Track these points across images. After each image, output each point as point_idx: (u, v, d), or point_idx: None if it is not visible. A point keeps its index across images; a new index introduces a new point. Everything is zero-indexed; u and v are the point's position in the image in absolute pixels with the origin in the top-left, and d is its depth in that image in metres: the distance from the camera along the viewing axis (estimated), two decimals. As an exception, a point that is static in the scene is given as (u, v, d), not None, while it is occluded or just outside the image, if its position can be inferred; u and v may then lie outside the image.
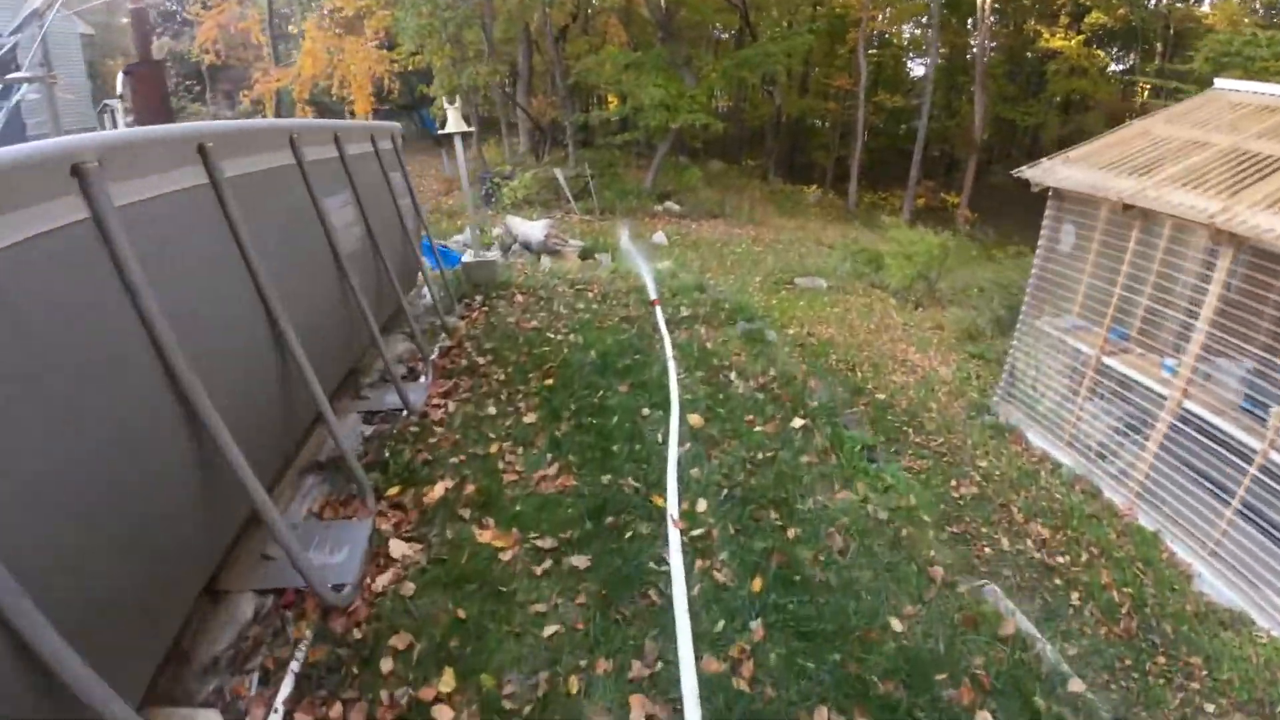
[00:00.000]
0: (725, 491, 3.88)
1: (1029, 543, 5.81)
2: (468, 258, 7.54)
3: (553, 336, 6.18)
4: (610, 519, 3.51)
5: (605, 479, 3.86)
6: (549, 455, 4.09)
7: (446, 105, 7.11)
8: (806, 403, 5.33)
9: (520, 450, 4.13)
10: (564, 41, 27.39)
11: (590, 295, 7.62)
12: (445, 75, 18.57)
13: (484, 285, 7.61)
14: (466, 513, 3.46)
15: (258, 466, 2.22)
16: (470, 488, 3.66)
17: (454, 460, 3.93)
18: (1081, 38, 27.70)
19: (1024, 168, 8.07)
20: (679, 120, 17.46)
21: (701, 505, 3.71)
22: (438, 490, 3.60)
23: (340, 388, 4.46)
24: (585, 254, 13.00)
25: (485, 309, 6.94)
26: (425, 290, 6.69)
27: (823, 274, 13.93)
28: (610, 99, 24.19)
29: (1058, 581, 5.32)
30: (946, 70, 32.21)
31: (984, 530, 5.85)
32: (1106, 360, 7.22)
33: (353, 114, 28.89)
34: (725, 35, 29.89)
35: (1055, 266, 7.97)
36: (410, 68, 22.57)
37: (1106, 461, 7.11)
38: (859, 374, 8.94)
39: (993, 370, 9.91)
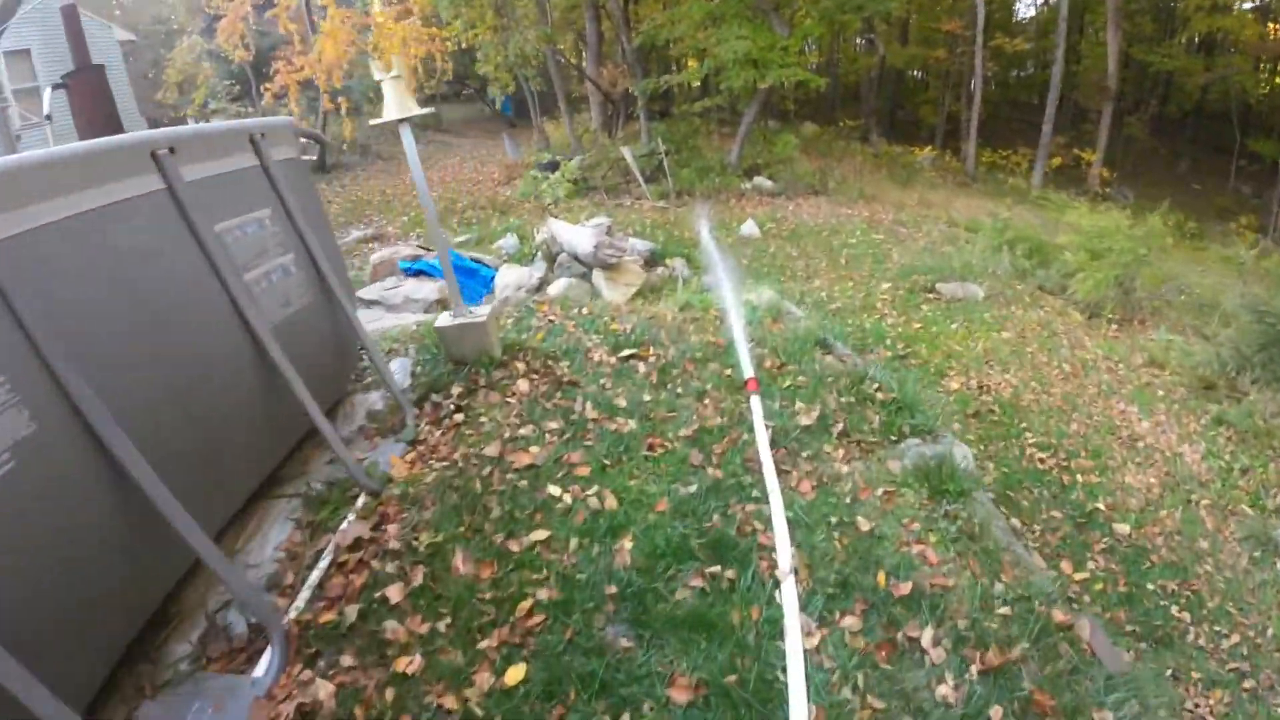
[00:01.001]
0: None
1: None
2: (444, 321, 4.70)
3: (557, 495, 3.29)
4: None
5: None
6: None
7: (381, 76, 4.23)
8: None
9: None
10: (634, 3, 24.04)
11: (642, 370, 4.65)
12: (490, 48, 15.73)
13: (474, 359, 4.77)
14: None
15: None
16: None
17: None
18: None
19: None
20: (769, 79, 13.91)
21: None
22: None
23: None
24: (653, 261, 9.94)
25: (459, 418, 4.11)
26: (391, 375, 3.99)
27: (970, 273, 10.20)
28: (689, 62, 20.59)
29: None
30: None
31: None
32: None
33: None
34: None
35: None
36: (466, 45, 19.93)
37: None
38: (1076, 476, 5.49)
39: (1257, 450, 6.25)
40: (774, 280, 10.06)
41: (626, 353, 4.90)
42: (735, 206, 14.83)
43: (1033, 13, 33.54)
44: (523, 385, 4.49)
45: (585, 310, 5.89)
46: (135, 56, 17.72)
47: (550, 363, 4.88)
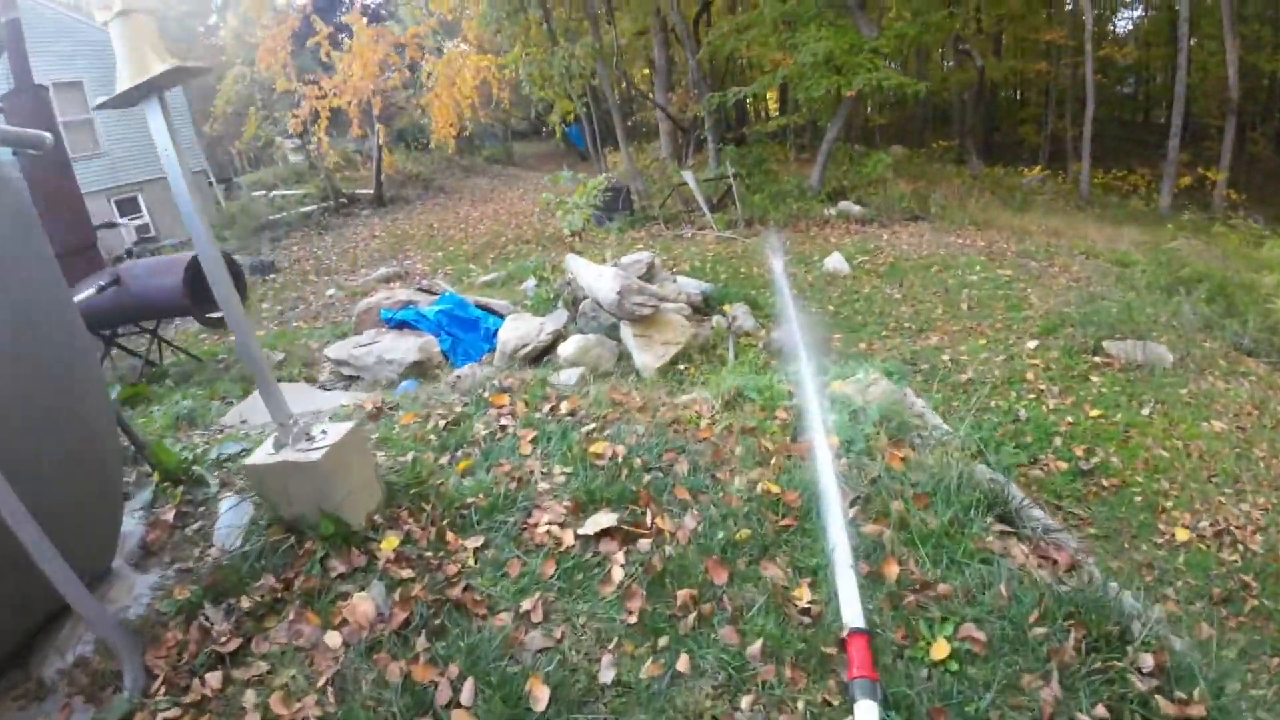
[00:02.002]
0: None
1: None
2: (259, 457, 2.48)
3: None
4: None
5: None
6: None
7: (105, 16, 2.06)
8: None
9: None
10: (707, 18, 21.95)
11: (618, 578, 2.25)
12: (535, 66, 13.87)
13: (313, 526, 2.48)
14: None
15: None
16: None
17: None
18: None
19: None
20: (856, 84, 11.32)
21: None
22: None
23: None
24: (706, 309, 7.52)
25: (213, 682, 1.84)
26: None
27: (1142, 325, 7.13)
28: (760, 74, 18.08)
29: None
30: (1168, 15, 22.58)
31: None
32: None
33: (471, 139, 25.66)
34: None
35: None
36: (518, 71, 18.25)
37: None
38: None
39: None
40: (873, 333, 7.42)
41: (600, 523, 2.51)
42: (817, 236, 12.20)
43: (1130, 26, 29.35)
44: (365, 607, 2.18)
45: (562, 408, 3.55)
46: (192, 88, 17.06)
47: (453, 536, 2.56)
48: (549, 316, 7.12)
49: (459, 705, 1.83)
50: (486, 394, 3.85)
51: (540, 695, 1.81)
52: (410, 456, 3.11)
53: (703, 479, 2.84)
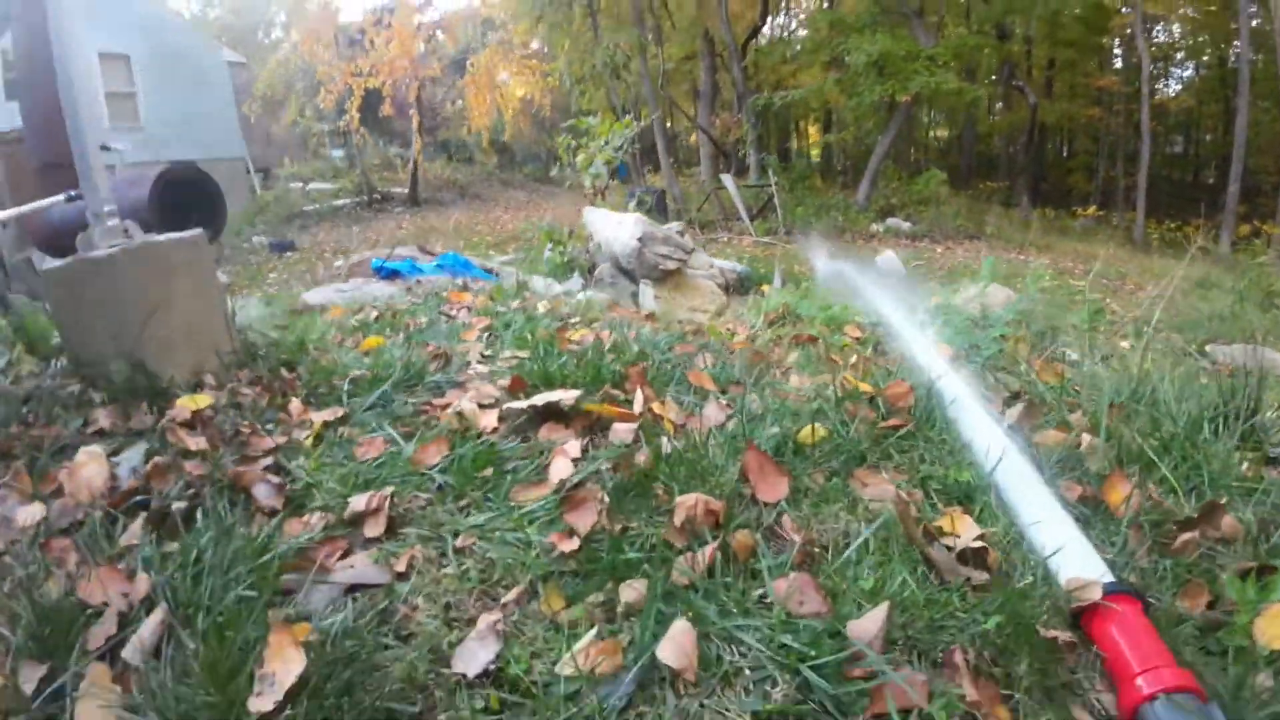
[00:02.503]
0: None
1: None
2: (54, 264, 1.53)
3: None
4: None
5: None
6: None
7: None
8: None
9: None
10: (756, 41, 21.37)
11: (569, 537, 1.05)
12: (574, 56, 13.18)
13: (115, 376, 1.39)
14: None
15: None
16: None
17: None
18: None
19: None
20: (912, 88, 10.34)
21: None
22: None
23: None
24: (742, 287, 6.44)
25: None
26: None
27: (1244, 330, 6.08)
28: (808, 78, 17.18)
29: None
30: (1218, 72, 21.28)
31: None
32: None
33: (505, 146, 25.18)
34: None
35: None
36: (575, 81, 17.60)
37: None
38: None
39: None
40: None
41: (547, 399, 1.39)
42: (864, 248, 11.08)
43: (1179, 87, 28.12)
44: (90, 472, 1.14)
45: (539, 307, 2.51)
46: (242, 77, 16.80)
47: (300, 405, 1.45)
48: (561, 283, 6.10)
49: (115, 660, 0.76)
50: (445, 294, 2.83)
51: (281, 675, 0.71)
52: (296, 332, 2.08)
53: (736, 374, 1.74)
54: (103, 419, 1.38)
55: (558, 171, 12.35)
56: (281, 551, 0.95)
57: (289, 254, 12.64)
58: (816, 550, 0.97)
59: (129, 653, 0.77)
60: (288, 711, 0.68)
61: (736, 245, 11.38)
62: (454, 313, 2.59)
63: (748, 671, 0.76)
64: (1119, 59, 23.03)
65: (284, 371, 1.71)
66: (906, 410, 1.41)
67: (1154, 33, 22.33)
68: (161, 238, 1.60)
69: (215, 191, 6.00)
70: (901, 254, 10.29)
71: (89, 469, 1.14)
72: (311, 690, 0.70)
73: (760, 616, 0.81)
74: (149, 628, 0.80)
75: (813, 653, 0.75)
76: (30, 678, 0.75)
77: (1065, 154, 27.26)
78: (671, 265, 5.09)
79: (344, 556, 1.01)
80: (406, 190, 19.00)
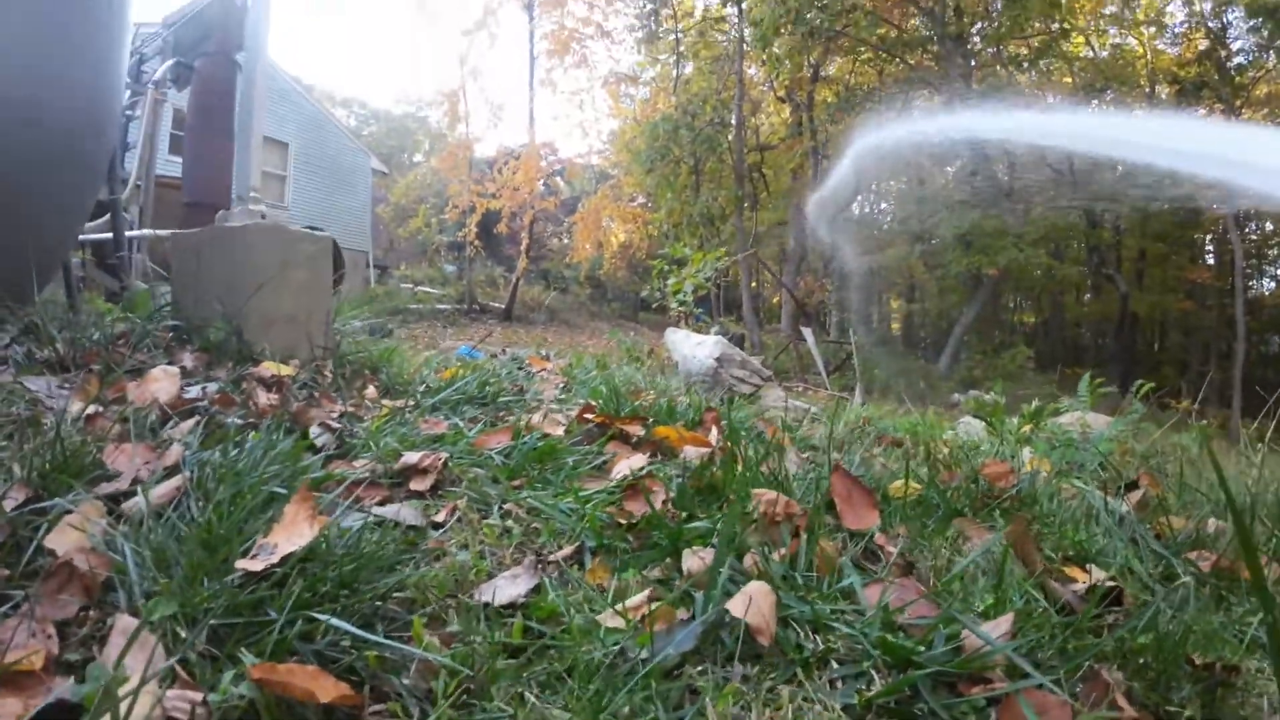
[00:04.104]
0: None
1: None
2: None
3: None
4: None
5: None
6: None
7: None
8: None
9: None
10: (843, 214, 22.41)
11: (626, 515, 0.95)
12: (675, 206, 14.16)
13: (222, 347, 1.44)
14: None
15: None
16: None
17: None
18: None
19: None
20: (999, 262, 10.42)
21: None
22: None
23: None
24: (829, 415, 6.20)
25: None
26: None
27: None
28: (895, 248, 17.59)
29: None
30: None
31: None
32: None
33: (600, 281, 26.62)
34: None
35: None
36: (673, 226, 18.84)
37: None
38: None
39: None
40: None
41: (615, 424, 1.32)
42: (945, 415, 10.67)
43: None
44: (160, 385, 1.08)
45: (618, 376, 2.51)
46: (381, 186, 18.98)
47: (374, 390, 1.44)
48: (634, 391, 6.13)
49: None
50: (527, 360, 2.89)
51: (283, 546, 0.61)
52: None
53: (815, 442, 1.61)
54: (188, 360, 1.39)
55: (647, 293, 12.91)
56: (320, 476, 0.87)
57: (383, 338, 13.50)
58: (919, 569, 0.80)
59: (129, 505, 0.69)
60: (277, 571, 0.57)
61: (812, 396, 11.22)
62: (534, 370, 2.60)
63: (836, 664, 0.59)
64: (1211, 254, 22.59)
65: (366, 372, 1.72)
66: (1008, 488, 1.22)
67: (1247, 229, 21.98)
68: (293, 226, 1.71)
69: (337, 248, 6.55)
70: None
71: (160, 383, 1.12)
72: (309, 562, 0.60)
73: (851, 613, 0.65)
74: (163, 489, 0.73)
75: (923, 649, 0.58)
76: (15, 498, 0.68)
77: (1156, 347, 26.15)
78: (747, 389, 5.01)
79: (383, 504, 0.92)
80: (503, 305, 20.25)
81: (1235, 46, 16.54)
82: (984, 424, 3.41)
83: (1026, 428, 2.63)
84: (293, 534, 0.62)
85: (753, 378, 5.10)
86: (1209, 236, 21.33)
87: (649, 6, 17.48)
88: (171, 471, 0.80)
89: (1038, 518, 1.08)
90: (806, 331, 13.03)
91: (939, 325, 18.06)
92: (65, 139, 1.62)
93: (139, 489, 0.72)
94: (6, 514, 0.65)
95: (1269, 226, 21.80)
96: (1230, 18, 16.48)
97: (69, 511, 0.67)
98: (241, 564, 0.59)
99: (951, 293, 12.99)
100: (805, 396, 11.63)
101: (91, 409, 0.99)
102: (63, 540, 0.62)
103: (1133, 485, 1.33)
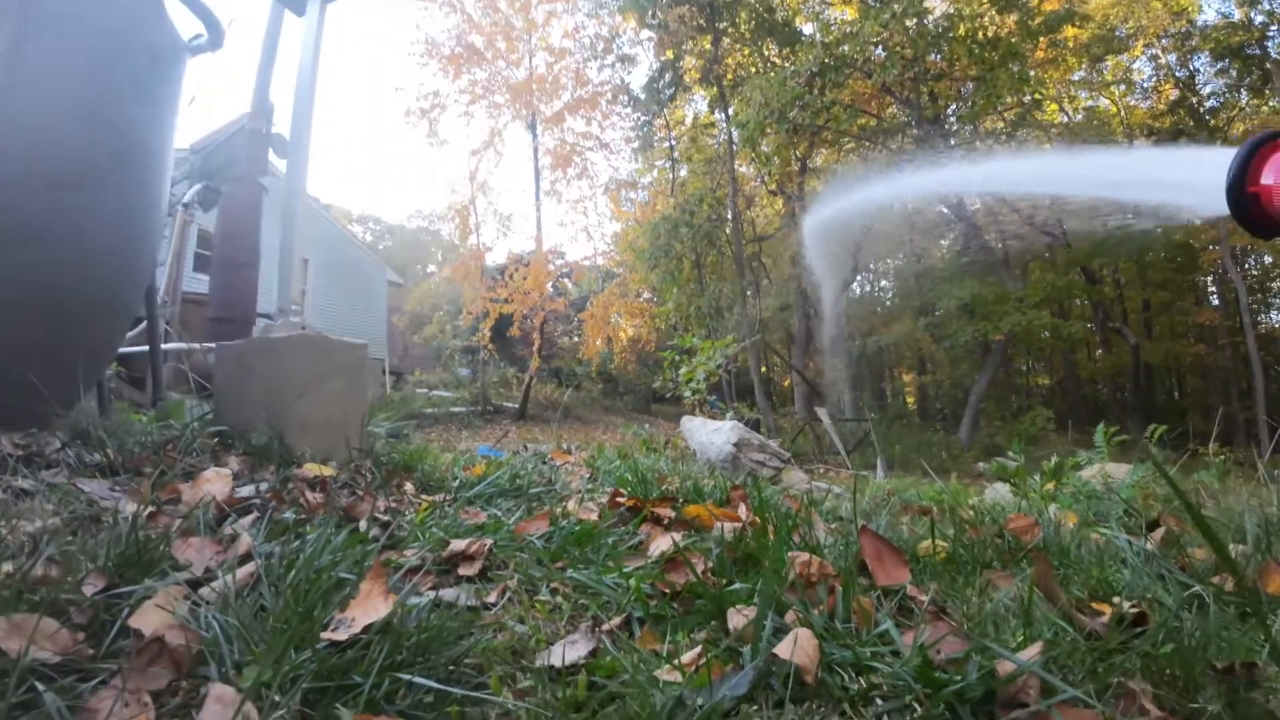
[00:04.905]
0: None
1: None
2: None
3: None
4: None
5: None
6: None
7: None
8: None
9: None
10: (845, 294, 22.87)
11: (670, 587, 1.03)
12: (681, 300, 14.56)
13: (260, 445, 1.53)
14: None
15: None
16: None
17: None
18: None
19: None
20: (1003, 327, 10.54)
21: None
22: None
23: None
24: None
25: None
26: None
27: None
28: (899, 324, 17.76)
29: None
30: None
31: None
32: None
33: (611, 376, 27.04)
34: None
35: None
36: (681, 318, 19.31)
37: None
38: None
39: None
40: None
41: (647, 507, 1.39)
42: (971, 485, 10.45)
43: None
44: (214, 486, 1.14)
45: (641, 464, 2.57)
46: (397, 296, 19.71)
47: (411, 487, 1.52)
48: (654, 482, 6.10)
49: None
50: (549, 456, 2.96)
51: (361, 618, 0.67)
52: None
53: (842, 513, 1.65)
54: (234, 464, 1.47)
55: (659, 384, 13.06)
56: (381, 562, 0.93)
57: (399, 441, 13.56)
58: (951, 614, 0.82)
59: (207, 591, 0.75)
60: (361, 638, 0.62)
61: (834, 477, 11.06)
62: (558, 464, 2.65)
63: (880, 700, 0.62)
64: (1215, 295, 22.50)
65: (401, 471, 1.78)
66: (1034, 540, 1.25)
67: (1246, 264, 21.96)
68: (330, 336, 1.84)
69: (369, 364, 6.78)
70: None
71: (213, 484, 1.19)
72: (389, 632, 0.65)
73: (890, 656, 0.69)
74: (237, 575, 0.78)
75: (959, 678, 0.61)
76: (94, 584, 0.74)
77: (1176, 394, 25.59)
78: (768, 473, 5.00)
79: (435, 589, 0.96)
80: (517, 405, 20.43)
81: (1206, 91, 17.12)
82: (1009, 486, 3.40)
83: (1050, 485, 2.63)
84: (369, 608, 0.68)
85: (772, 461, 5.09)
86: (1209, 278, 21.44)
87: (643, 118, 18.77)
88: (243, 560, 0.86)
89: (1065, 563, 1.10)
90: (821, 412, 13.01)
91: (954, 395, 17.97)
92: (117, 267, 1.79)
93: (218, 573, 0.78)
94: (89, 598, 0.71)
95: (1268, 259, 21.92)
96: (1196, 64, 17.18)
97: (148, 596, 0.73)
98: (326, 635, 0.64)
99: (962, 361, 13.04)
100: (827, 477, 11.46)
101: (150, 508, 1.06)
102: (147, 620, 0.68)
103: (1154, 524, 1.35)
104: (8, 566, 0.74)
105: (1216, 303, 21.39)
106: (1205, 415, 22.29)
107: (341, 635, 0.64)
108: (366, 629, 0.65)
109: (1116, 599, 0.86)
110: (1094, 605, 0.85)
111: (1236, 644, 0.69)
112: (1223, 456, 3.98)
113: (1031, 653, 0.65)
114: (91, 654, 0.66)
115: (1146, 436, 3.50)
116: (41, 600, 0.70)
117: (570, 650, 0.71)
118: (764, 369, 24.42)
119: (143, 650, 0.65)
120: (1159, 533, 1.26)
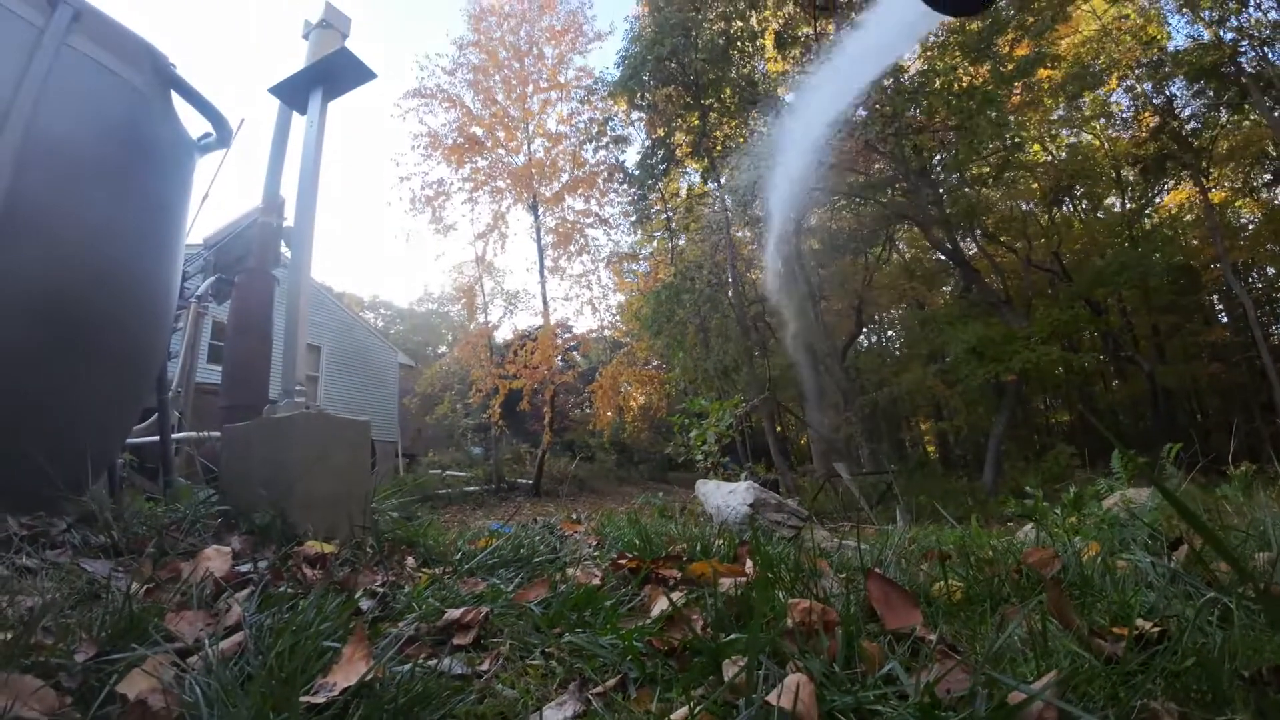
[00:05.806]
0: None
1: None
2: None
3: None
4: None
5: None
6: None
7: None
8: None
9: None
10: (853, 349, 22.88)
11: (667, 644, 0.98)
12: (688, 364, 14.59)
13: (264, 522, 1.52)
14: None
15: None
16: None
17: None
18: None
19: None
20: (1014, 367, 10.44)
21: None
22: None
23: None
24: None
25: None
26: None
27: None
28: (911, 371, 17.62)
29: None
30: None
31: None
32: None
33: (624, 445, 26.77)
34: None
35: None
36: (689, 383, 19.35)
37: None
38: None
39: None
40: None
41: (649, 566, 1.38)
42: (1002, 532, 10.11)
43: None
44: (214, 563, 1.15)
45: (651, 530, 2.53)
46: (408, 379, 19.88)
47: (412, 561, 1.50)
48: (672, 549, 5.94)
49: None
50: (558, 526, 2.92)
51: (341, 682, 0.66)
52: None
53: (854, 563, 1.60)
54: (235, 543, 1.45)
55: (672, 449, 12.95)
56: (369, 634, 0.90)
57: (412, 521, 13.38)
58: (962, 651, 0.78)
59: (194, 660, 0.73)
60: (339, 701, 0.60)
61: (860, 534, 10.77)
62: (566, 534, 2.60)
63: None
64: (1223, 313, 22.18)
65: (404, 546, 1.75)
66: (1053, 573, 1.20)
67: (1249, 278, 21.68)
68: (332, 414, 1.85)
69: (371, 444, 6.77)
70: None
71: (213, 561, 1.17)
72: (369, 694, 0.62)
73: (895, 699, 0.65)
74: (226, 644, 0.77)
75: (964, 713, 0.57)
76: (85, 652, 0.73)
77: (1199, 416, 24.88)
78: (787, 533, 4.86)
79: (429, 659, 0.93)
80: (530, 481, 20.21)
81: (1186, 114, 17.35)
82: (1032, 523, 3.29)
83: (1072, 518, 2.55)
84: (349, 671, 0.66)
85: (791, 520, 4.95)
86: (1215, 296, 21.26)
87: (639, 193, 19.43)
88: (232, 630, 0.84)
89: (1088, 591, 1.05)
90: (841, 468, 12.78)
91: (974, 440, 17.62)
92: (130, 359, 1.83)
93: (205, 641, 0.77)
94: (79, 664, 0.70)
95: (1270, 270, 21.73)
96: (1173, 90, 17.50)
97: (136, 664, 0.72)
98: (305, 699, 0.62)
99: (977, 405, 12.88)
100: (851, 534, 11.15)
101: (149, 584, 1.05)
102: (134, 686, 0.68)
103: (1177, 543, 1.30)
104: (3, 635, 0.75)
105: (1225, 320, 21.18)
106: (1230, 434, 21.63)
107: (320, 699, 0.62)
108: (344, 692, 0.63)
109: (1139, 621, 0.81)
110: (1114, 630, 0.80)
111: (1263, 649, 0.65)
112: (1243, 469, 3.88)
113: (1044, 681, 0.61)
114: (79, 718, 0.66)
115: (1162, 457, 3.42)
116: (33, 664, 0.70)
117: (557, 713, 0.68)
118: (779, 428, 24.18)
119: (127, 714, 0.65)
120: (1182, 550, 1.21)
